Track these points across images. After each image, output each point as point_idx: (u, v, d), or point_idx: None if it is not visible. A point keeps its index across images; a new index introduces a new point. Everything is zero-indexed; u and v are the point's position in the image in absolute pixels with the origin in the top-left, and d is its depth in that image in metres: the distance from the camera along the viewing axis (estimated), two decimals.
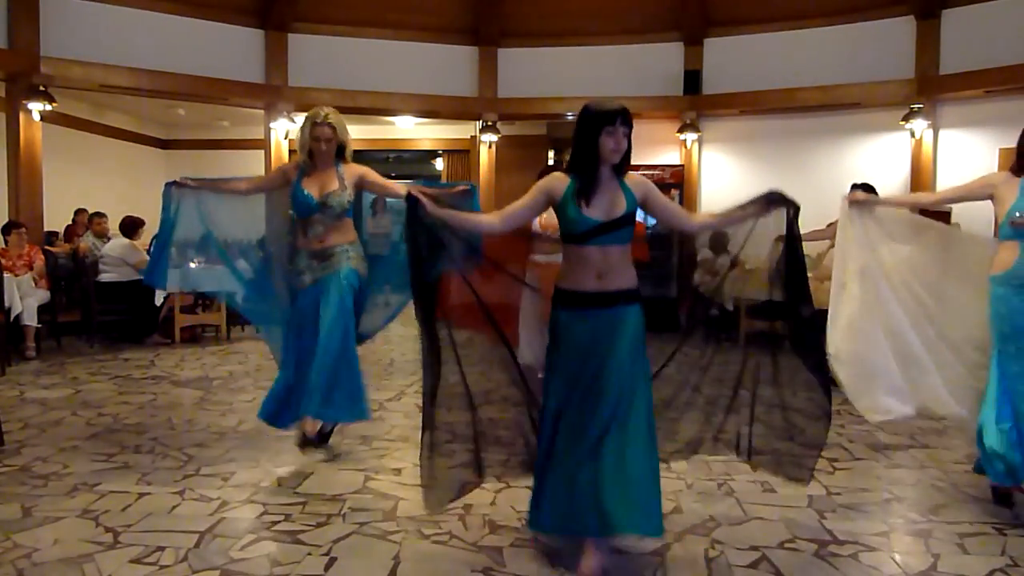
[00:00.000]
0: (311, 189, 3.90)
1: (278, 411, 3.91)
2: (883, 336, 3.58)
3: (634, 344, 2.72)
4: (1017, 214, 3.13)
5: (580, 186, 2.70)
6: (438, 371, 2.78)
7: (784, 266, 2.88)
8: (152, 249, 4.34)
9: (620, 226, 2.70)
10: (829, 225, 6.16)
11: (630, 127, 2.74)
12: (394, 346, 7.33)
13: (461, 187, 4.18)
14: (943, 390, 3.55)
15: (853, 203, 3.62)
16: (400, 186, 4.28)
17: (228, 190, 4.20)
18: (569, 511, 2.61)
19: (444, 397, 2.82)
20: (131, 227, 7.91)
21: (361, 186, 4.05)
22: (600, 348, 2.68)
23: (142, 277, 7.58)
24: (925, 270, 3.60)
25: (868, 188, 6.06)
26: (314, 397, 3.70)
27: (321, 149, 3.91)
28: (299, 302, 3.97)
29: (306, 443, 3.83)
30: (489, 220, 2.85)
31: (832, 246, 5.85)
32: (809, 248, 4.27)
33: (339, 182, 3.93)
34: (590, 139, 2.69)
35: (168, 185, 4.11)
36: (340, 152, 4.00)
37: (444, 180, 12.82)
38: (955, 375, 3.51)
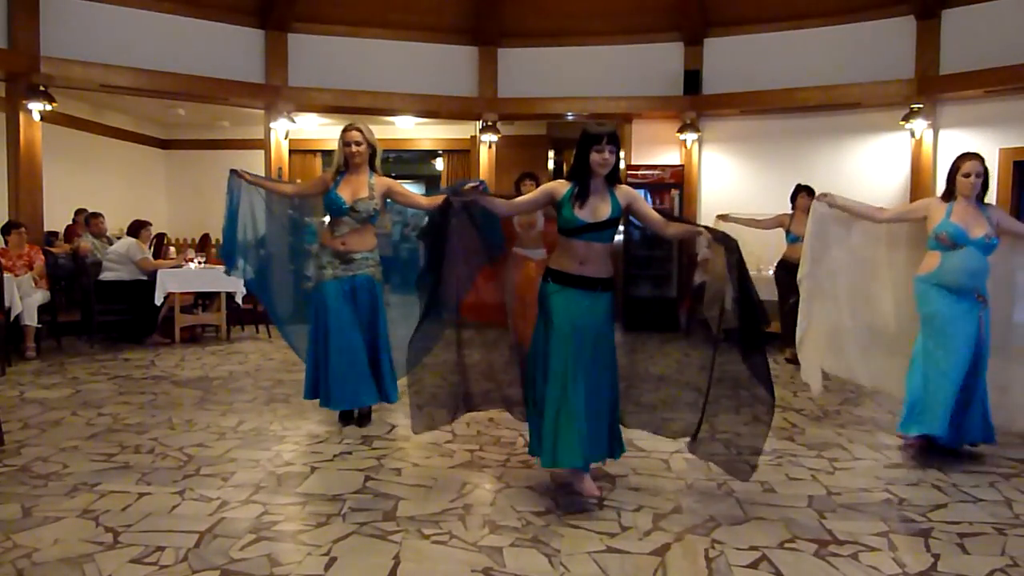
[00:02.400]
0: (344, 194, 4.39)
1: (315, 386, 4.51)
2: (823, 322, 4.33)
3: (610, 322, 3.46)
4: (942, 232, 4.02)
5: (577, 192, 3.33)
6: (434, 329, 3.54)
7: (736, 294, 3.32)
8: (223, 239, 4.88)
9: (603, 228, 3.34)
10: (776, 216, 6.68)
11: (617, 146, 3.34)
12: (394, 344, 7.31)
13: (471, 185, 4.36)
14: (867, 365, 4.40)
15: (823, 201, 4.33)
16: (424, 199, 4.82)
17: (276, 191, 4.79)
18: (590, 445, 3.29)
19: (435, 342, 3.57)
20: (137, 228, 7.94)
21: (389, 196, 4.52)
22: (587, 324, 3.32)
23: (145, 277, 7.62)
24: (874, 268, 4.42)
25: (810, 190, 6.80)
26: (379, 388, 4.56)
27: (352, 151, 4.39)
28: (321, 292, 4.46)
29: (347, 419, 4.59)
30: (502, 203, 3.61)
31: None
32: None
33: (369, 190, 4.41)
34: (584, 155, 3.32)
35: (232, 172, 4.65)
36: (372, 162, 4.48)
37: (444, 180, 12.86)
38: (879, 353, 4.40)
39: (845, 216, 4.34)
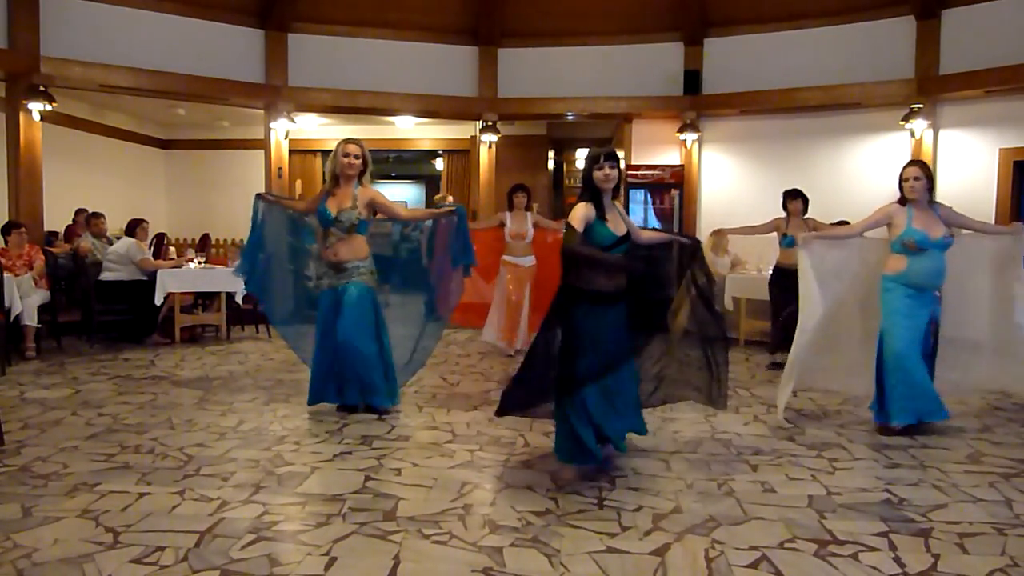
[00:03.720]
0: (331, 207, 4.62)
1: (319, 390, 4.78)
2: (811, 344, 4.61)
3: (625, 324, 3.73)
4: (909, 240, 4.46)
5: (596, 209, 3.61)
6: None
7: (695, 293, 3.92)
8: (244, 251, 5.20)
9: (626, 241, 3.68)
10: (771, 221, 7.06)
11: (616, 162, 3.64)
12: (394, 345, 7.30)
13: (447, 208, 5.00)
14: (850, 372, 4.85)
15: (805, 243, 4.68)
16: (404, 210, 5.19)
17: (292, 208, 5.16)
18: (623, 427, 3.76)
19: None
20: (134, 226, 7.94)
21: (372, 206, 4.73)
22: (615, 332, 3.63)
23: (145, 277, 7.62)
24: (853, 280, 4.79)
25: (800, 194, 6.92)
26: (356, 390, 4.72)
27: (349, 163, 4.62)
28: (321, 303, 4.72)
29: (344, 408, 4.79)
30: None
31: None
32: None
33: (352, 201, 4.61)
34: (589, 174, 3.64)
35: (257, 196, 5.05)
36: (360, 177, 4.68)
37: (444, 180, 12.87)
38: (857, 359, 4.78)
39: (834, 242, 4.79)
